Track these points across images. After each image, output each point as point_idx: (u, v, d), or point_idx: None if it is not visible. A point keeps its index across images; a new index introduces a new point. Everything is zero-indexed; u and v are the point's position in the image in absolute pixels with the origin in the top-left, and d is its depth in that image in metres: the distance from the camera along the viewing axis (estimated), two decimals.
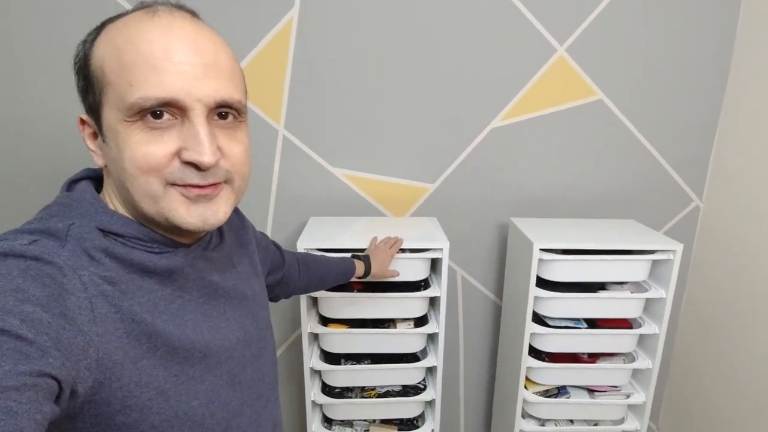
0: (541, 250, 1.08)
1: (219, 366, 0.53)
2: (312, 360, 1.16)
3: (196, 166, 0.46)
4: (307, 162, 1.28)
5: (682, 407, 1.42)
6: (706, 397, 1.32)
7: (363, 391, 1.23)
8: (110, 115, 0.46)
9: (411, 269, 1.11)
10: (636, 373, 1.22)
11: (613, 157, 1.32)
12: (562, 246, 1.08)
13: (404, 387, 1.23)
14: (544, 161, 1.32)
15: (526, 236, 1.12)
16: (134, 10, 0.47)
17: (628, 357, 1.19)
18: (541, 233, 1.13)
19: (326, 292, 1.08)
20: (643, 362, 1.15)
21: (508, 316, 1.31)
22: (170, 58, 0.44)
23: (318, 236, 1.12)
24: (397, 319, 1.17)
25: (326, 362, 1.17)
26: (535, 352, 1.17)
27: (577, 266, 1.09)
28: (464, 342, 1.47)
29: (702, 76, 1.26)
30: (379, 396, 1.21)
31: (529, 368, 1.17)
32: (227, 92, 0.47)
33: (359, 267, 1.02)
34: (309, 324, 1.13)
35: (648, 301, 1.15)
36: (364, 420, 1.26)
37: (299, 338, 1.41)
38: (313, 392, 1.18)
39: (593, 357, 1.19)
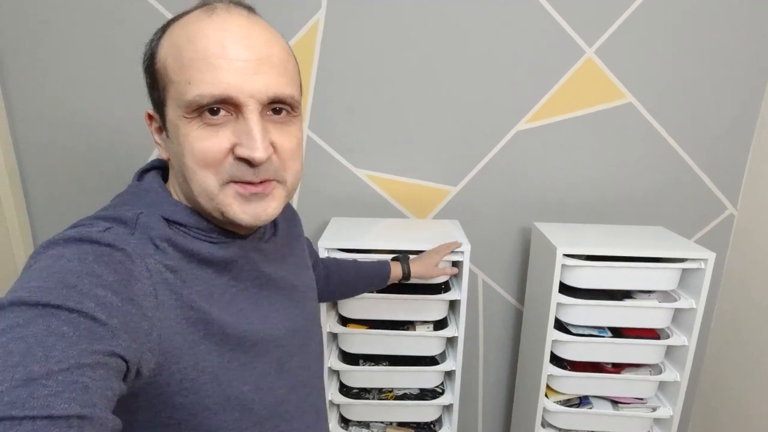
0: (564, 255, 1.06)
1: (267, 353, 0.54)
2: (330, 360, 1.16)
3: (249, 162, 0.47)
4: (330, 162, 1.29)
5: (712, 423, 1.37)
6: (738, 412, 1.27)
7: (380, 393, 1.23)
8: (172, 111, 0.48)
9: None
10: (663, 386, 1.18)
11: (642, 161, 1.28)
12: (586, 252, 1.06)
13: (422, 390, 1.22)
14: (571, 165, 1.29)
15: (549, 241, 1.10)
16: (195, 8, 0.48)
17: (655, 368, 1.15)
18: (565, 238, 1.11)
19: None
20: (670, 374, 1.11)
21: (530, 322, 1.28)
22: (225, 54, 0.45)
23: (340, 236, 1.12)
24: (417, 321, 1.16)
25: (344, 362, 1.17)
26: (556, 360, 1.14)
27: (602, 273, 1.06)
28: (484, 347, 1.45)
29: (738, 78, 1.22)
30: (397, 398, 1.21)
31: (550, 376, 1.14)
32: (279, 87, 0.48)
33: (395, 269, 0.98)
34: (328, 323, 1.14)
35: (677, 311, 1.11)
36: (381, 422, 1.26)
37: None
38: (330, 392, 1.19)
39: (618, 367, 1.16)
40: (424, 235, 1.13)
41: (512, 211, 1.33)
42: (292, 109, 0.50)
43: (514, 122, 1.26)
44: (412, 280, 1.02)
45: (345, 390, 1.22)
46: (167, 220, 0.50)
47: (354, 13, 1.19)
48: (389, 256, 1.05)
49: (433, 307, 1.13)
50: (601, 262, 1.05)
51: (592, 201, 1.32)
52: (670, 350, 1.14)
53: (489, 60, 1.22)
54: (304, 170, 1.29)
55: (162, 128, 0.51)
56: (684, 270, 1.08)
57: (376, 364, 1.18)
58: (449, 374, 1.21)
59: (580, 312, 1.09)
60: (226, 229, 0.54)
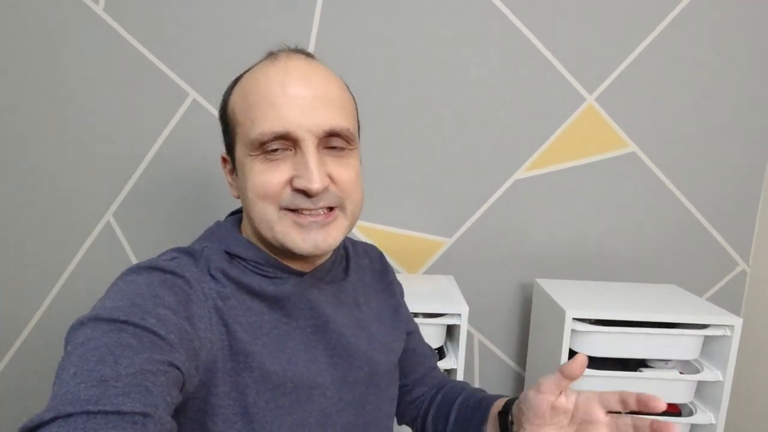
0: (574, 319, 0.94)
1: (310, 401, 0.52)
2: None
3: (306, 193, 0.49)
4: None
5: None
6: None
7: None
8: (240, 150, 0.52)
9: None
10: None
11: (648, 214, 1.20)
12: (600, 316, 0.94)
13: None
14: (573, 217, 1.20)
15: (555, 302, 0.99)
16: (263, 59, 0.54)
17: None
18: (572, 299, 1.00)
19: None
20: None
21: None
22: (285, 94, 0.49)
23: None
24: None
25: None
26: None
27: (616, 339, 0.94)
28: None
29: (744, 128, 1.16)
30: None
31: None
32: (335, 121, 0.50)
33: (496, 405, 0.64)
34: None
35: (700, 383, 0.99)
36: None
37: None
38: None
39: None
40: (415, 291, 1.01)
41: (511, 266, 1.22)
42: (349, 142, 0.52)
43: (513, 170, 1.18)
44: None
45: None
46: (229, 254, 0.53)
47: (344, 54, 1.12)
48: None
49: None
50: (614, 327, 0.94)
51: (596, 255, 1.22)
52: (694, 429, 1.01)
53: (485, 105, 1.15)
54: None
55: (233, 169, 0.56)
56: (706, 337, 0.96)
57: None
58: None
59: (593, 384, 0.96)
60: (285, 264, 0.55)
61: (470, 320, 1.23)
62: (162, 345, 0.41)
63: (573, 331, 0.95)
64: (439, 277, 1.18)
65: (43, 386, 1.22)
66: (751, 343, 1.19)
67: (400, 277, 1.18)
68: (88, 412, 0.34)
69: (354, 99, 0.57)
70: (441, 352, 1.02)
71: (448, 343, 1.06)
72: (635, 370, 0.98)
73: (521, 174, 1.18)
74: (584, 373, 0.94)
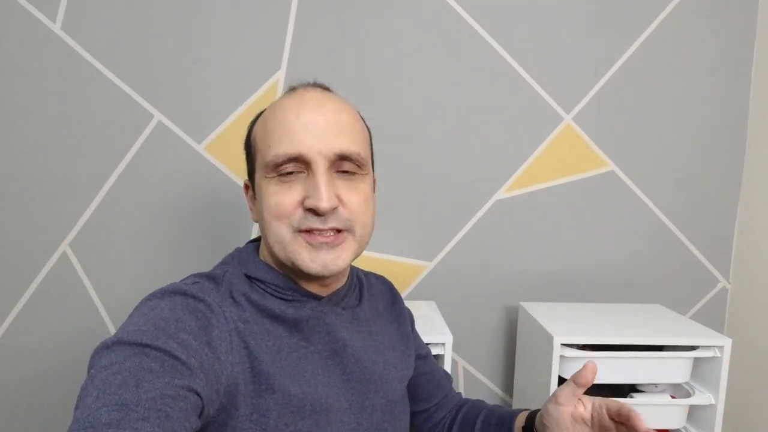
0: (562, 345, 0.90)
1: (329, 426, 0.52)
2: None
3: (316, 212, 0.51)
4: None
5: None
6: None
7: None
8: (258, 175, 0.55)
9: None
10: None
11: (628, 232, 1.19)
12: (588, 340, 0.91)
13: None
14: (554, 237, 1.18)
15: (542, 327, 0.95)
16: (284, 93, 0.58)
17: None
18: (559, 324, 0.96)
19: None
20: None
21: None
22: (299, 120, 0.52)
23: None
24: None
25: None
26: None
27: (605, 364, 0.91)
28: None
29: (718, 146, 1.17)
30: None
31: None
32: (345, 145, 0.52)
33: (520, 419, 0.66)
34: None
35: (692, 407, 0.96)
36: None
37: None
38: None
39: None
40: None
41: (494, 289, 1.18)
42: (360, 167, 0.54)
43: (493, 191, 1.15)
44: None
45: None
46: (249, 278, 0.55)
47: (315, 74, 1.08)
48: None
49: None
50: (603, 352, 0.90)
51: (579, 276, 1.19)
52: None
53: (463, 126, 1.13)
54: None
55: (254, 195, 0.58)
56: (696, 359, 0.94)
57: None
58: None
59: None
60: (304, 289, 0.56)
61: (454, 347, 1.18)
62: (183, 370, 0.41)
63: (562, 357, 0.91)
64: (420, 303, 1.13)
65: None
66: (736, 360, 1.17)
67: None
68: None
69: (368, 129, 0.61)
70: None
71: None
72: (626, 396, 0.94)
73: (501, 195, 1.15)
74: None
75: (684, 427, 0.96)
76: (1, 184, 1.06)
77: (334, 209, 0.52)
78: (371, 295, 0.67)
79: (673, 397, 0.94)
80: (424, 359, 0.74)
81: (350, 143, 0.53)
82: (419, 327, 0.93)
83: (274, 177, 0.53)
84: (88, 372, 0.41)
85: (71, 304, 1.10)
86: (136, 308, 0.48)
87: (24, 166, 1.06)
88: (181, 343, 0.43)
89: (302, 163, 0.52)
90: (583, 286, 1.20)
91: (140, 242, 1.10)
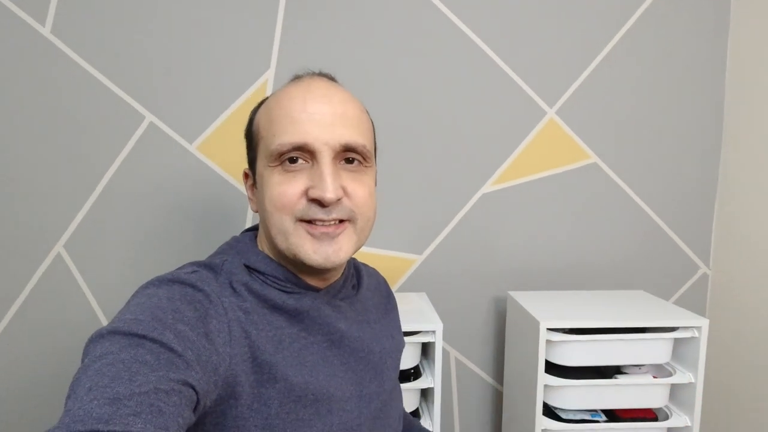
0: (548, 329, 0.94)
1: (330, 414, 0.52)
2: None
3: (320, 203, 0.51)
4: None
5: None
6: None
7: None
8: (260, 164, 0.55)
9: None
10: None
11: (612, 222, 1.23)
12: (573, 324, 0.94)
13: None
14: (540, 228, 1.21)
15: (529, 313, 0.98)
16: (289, 82, 0.57)
17: None
18: (545, 310, 1.00)
19: None
20: None
21: (512, 405, 1.13)
22: (305, 109, 0.52)
23: None
24: None
25: None
26: None
27: (590, 348, 0.94)
28: None
29: (696, 137, 1.21)
30: None
31: None
32: (351, 137, 0.52)
33: None
34: None
35: (673, 386, 1.00)
36: None
37: None
38: None
39: None
40: None
41: (483, 280, 1.22)
42: (365, 159, 0.55)
43: (479, 185, 1.18)
44: None
45: None
46: (249, 268, 0.54)
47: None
48: None
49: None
50: (588, 335, 0.94)
51: (565, 265, 1.23)
52: None
53: (449, 122, 1.16)
54: None
55: (254, 184, 0.58)
56: (676, 339, 0.98)
57: None
58: None
59: (570, 394, 0.96)
60: (301, 279, 0.56)
61: (445, 337, 1.21)
62: (178, 363, 0.41)
63: (548, 341, 0.94)
64: (411, 295, 1.16)
65: None
66: (717, 343, 1.22)
67: None
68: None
69: (372, 123, 0.60)
70: (417, 372, 0.99)
71: (424, 362, 1.03)
72: (611, 377, 0.98)
73: (488, 188, 1.19)
74: (563, 384, 0.93)
75: (666, 406, 1.00)
76: None
77: (338, 200, 0.51)
78: (369, 284, 0.67)
79: (655, 377, 0.97)
80: None
81: (357, 135, 0.53)
82: (410, 317, 0.96)
83: (277, 166, 0.52)
84: (82, 360, 0.40)
85: (67, 305, 1.11)
86: (134, 296, 0.47)
87: (17, 168, 1.07)
88: (178, 335, 0.42)
89: (307, 152, 0.51)
90: (569, 275, 1.23)
91: (134, 242, 1.11)
